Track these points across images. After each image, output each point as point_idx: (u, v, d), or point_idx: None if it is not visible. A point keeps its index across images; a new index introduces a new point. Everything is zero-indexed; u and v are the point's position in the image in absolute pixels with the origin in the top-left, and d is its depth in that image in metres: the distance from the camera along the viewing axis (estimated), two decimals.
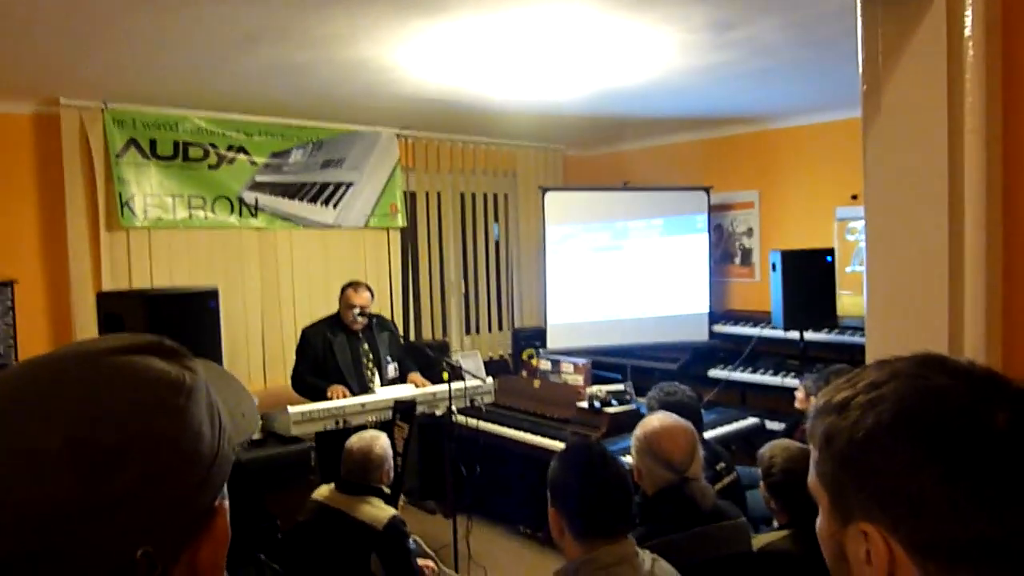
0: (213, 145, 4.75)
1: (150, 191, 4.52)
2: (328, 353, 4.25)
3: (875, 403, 0.68)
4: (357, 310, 4.29)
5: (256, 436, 3.69)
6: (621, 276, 5.78)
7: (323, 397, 4.01)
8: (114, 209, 4.41)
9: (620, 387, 4.46)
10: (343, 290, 4.39)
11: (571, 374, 4.92)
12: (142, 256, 4.52)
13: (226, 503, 0.65)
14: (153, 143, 4.52)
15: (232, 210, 4.86)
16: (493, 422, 4.57)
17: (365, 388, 4.26)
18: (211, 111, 4.70)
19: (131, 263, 4.48)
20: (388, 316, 5.20)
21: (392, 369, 4.45)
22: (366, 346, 4.42)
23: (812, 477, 0.75)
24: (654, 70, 3.95)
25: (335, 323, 4.39)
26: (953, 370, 0.68)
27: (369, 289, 4.41)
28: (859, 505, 0.68)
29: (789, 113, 5.31)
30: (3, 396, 0.58)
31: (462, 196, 6.14)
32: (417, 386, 4.30)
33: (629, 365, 5.55)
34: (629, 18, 3.11)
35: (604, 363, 5.42)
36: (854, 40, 1.51)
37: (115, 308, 3.60)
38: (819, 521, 0.74)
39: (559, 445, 4.06)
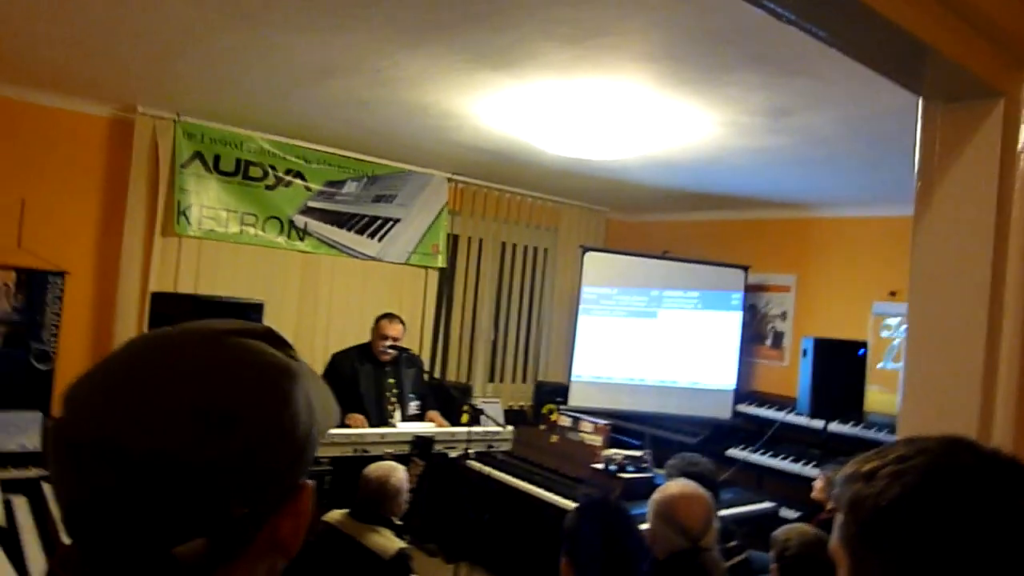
0: (272, 167, 4.92)
1: (207, 203, 4.68)
2: (353, 381, 4.30)
3: (902, 475, 0.71)
4: (389, 341, 4.35)
5: None
6: (651, 343, 5.78)
7: (342, 424, 4.06)
8: (171, 216, 4.57)
9: (638, 453, 4.42)
10: (377, 320, 4.47)
11: (590, 433, 4.89)
12: (191, 263, 4.66)
13: (311, 484, 0.71)
14: (217, 158, 4.70)
15: (281, 231, 5.00)
16: (506, 472, 4.55)
17: (384, 421, 4.30)
18: (275, 135, 4.88)
19: (179, 268, 4.61)
20: (417, 352, 5.25)
21: (414, 406, 4.49)
22: (391, 379, 4.47)
23: (835, 540, 0.78)
24: (705, 146, 4.03)
25: (364, 353, 4.45)
26: (979, 453, 0.72)
27: (402, 322, 4.49)
28: (880, 570, 0.71)
29: (834, 203, 5.35)
30: (138, 360, 0.65)
31: (503, 245, 6.23)
32: (436, 425, 4.32)
33: (649, 433, 5.51)
34: (686, 100, 3.20)
35: (624, 428, 5.39)
36: (908, 138, 1.57)
37: (166, 308, 3.75)
38: None
39: (570, 504, 4.03)
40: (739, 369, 5.70)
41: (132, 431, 0.60)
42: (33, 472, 3.80)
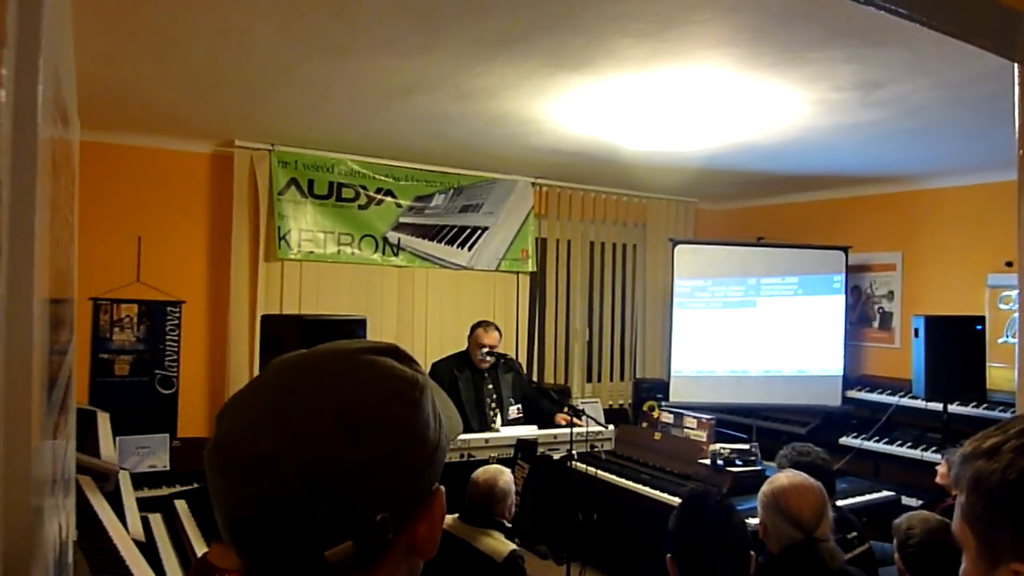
0: (364, 187, 5.12)
1: (305, 227, 4.91)
2: (453, 389, 4.41)
3: None
4: (486, 349, 4.45)
5: None
6: (752, 333, 5.67)
7: None
8: (272, 242, 4.82)
9: (746, 447, 4.35)
10: (473, 329, 4.57)
11: (694, 429, 4.84)
12: (294, 285, 4.90)
13: (442, 488, 0.77)
14: (311, 183, 4.93)
15: (376, 248, 5.19)
16: (611, 471, 4.56)
17: (486, 426, 4.39)
18: (364, 155, 5.07)
19: (283, 291, 4.86)
20: (515, 358, 5.34)
21: (515, 410, 4.56)
22: (490, 385, 4.55)
23: (958, 521, 0.77)
24: (794, 128, 3.94)
25: (462, 360, 4.56)
26: None
27: (498, 329, 4.58)
28: (1010, 546, 0.70)
29: (936, 174, 5.11)
30: (283, 380, 0.73)
31: (591, 244, 6.25)
32: (563, 425, 4.40)
33: (755, 425, 5.41)
34: (770, 80, 3.15)
35: (729, 421, 5.31)
36: (1007, 102, 1.51)
37: (275, 330, 3.94)
38: (964, 567, 0.76)
39: (679, 501, 4.01)
40: (846, 354, 5.52)
41: (286, 445, 0.67)
42: (165, 491, 4.08)
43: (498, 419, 4.47)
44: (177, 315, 4.67)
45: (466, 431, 4.23)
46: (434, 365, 4.58)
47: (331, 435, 0.68)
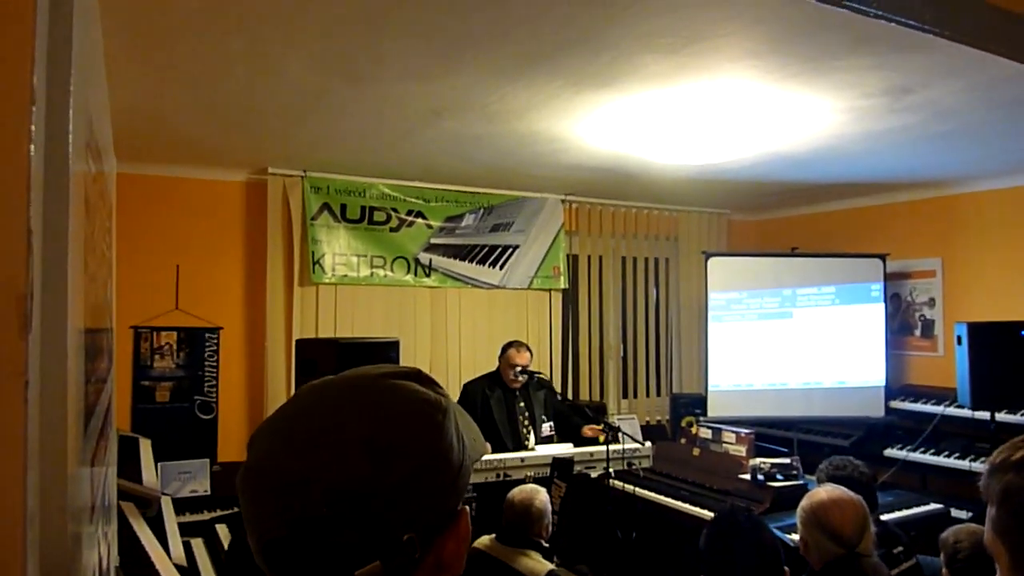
0: (395, 210, 5.18)
1: (338, 251, 4.98)
2: (485, 408, 4.42)
3: None
4: (519, 368, 4.45)
5: None
6: (789, 344, 5.60)
7: None
8: (307, 266, 4.89)
9: (786, 460, 4.28)
10: (505, 349, 4.58)
11: (733, 444, 4.77)
12: (328, 308, 4.97)
13: (467, 508, 0.79)
14: (344, 207, 5.00)
15: (408, 270, 5.24)
16: (650, 489, 4.52)
17: (520, 445, 4.39)
18: (394, 179, 5.14)
19: (319, 314, 4.93)
20: (547, 376, 5.33)
21: (547, 428, 4.55)
22: (522, 404, 4.56)
23: (989, 533, 0.76)
24: (824, 136, 3.90)
25: (494, 380, 4.57)
26: None
27: (529, 349, 4.59)
28: None
29: (973, 177, 5.01)
30: (312, 406, 0.76)
31: (623, 260, 6.23)
32: (589, 436, 4.38)
33: (796, 439, 5.32)
34: (797, 90, 3.13)
35: (769, 435, 5.23)
36: None
37: (310, 353, 4.00)
38: None
39: None
40: (888, 363, 5.41)
41: (315, 468, 0.70)
42: (207, 515, 4.13)
43: (532, 437, 4.47)
44: (215, 341, 4.75)
45: (500, 450, 4.23)
46: (466, 386, 4.59)
47: (358, 458, 0.70)
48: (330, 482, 0.69)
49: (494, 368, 4.62)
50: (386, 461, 0.70)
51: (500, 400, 4.50)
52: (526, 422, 4.54)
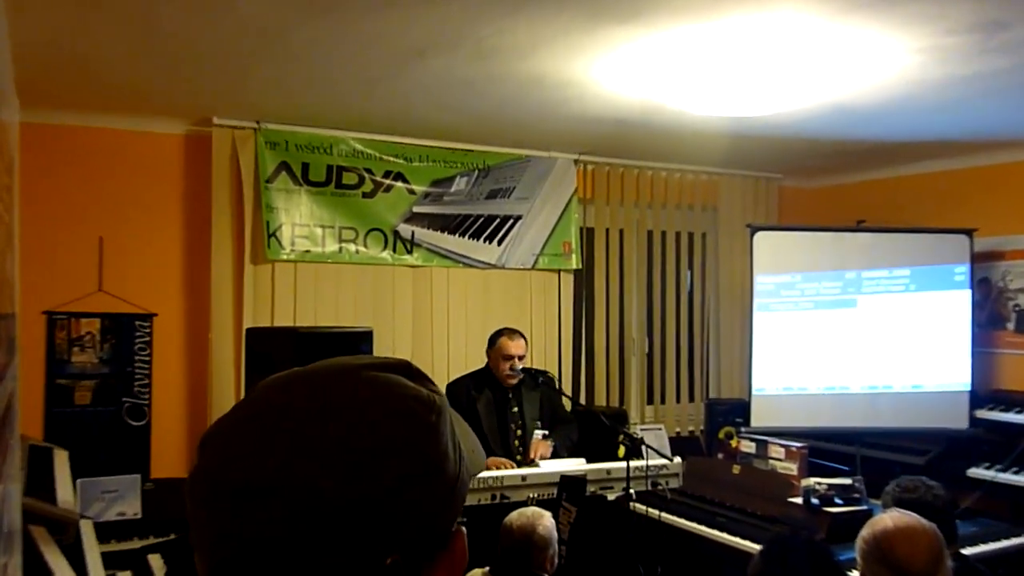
0: (369, 171, 5.17)
1: (299, 220, 4.99)
2: (471, 414, 4.41)
3: None
4: (513, 362, 4.46)
5: None
6: (852, 339, 5.59)
7: None
8: (260, 239, 4.90)
9: (847, 481, 4.29)
10: (495, 339, 4.61)
11: (782, 460, 4.79)
12: (287, 291, 4.98)
13: (464, 529, 0.79)
14: (305, 167, 5.00)
15: (386, 244, 5.24)
16: (679, 514, 4.53)
17: (510, 453, 4.42)
18: (369, 133, 5.13)
19: (275, 299, 4.94)
20: (556, 376, 5.34)
21: (540, 436, 4.57)
22: (515, 408, 4.58)
23: None
24: (897, 83, 3.88)
25: (482, 378, 4.60)
26: None
27: (523, 336, 4.60)
28: None
29: None
30: (278, 400, 0.76)
31: (650, 235, 6.23)
32: (534, 452, 4.41)
33: (859, 454, 5.33)
34: (866, 26, 3.10)
35: (825, 450, 5.24)
36: None
37: (264, 346, 4.03)
38: None
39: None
40: (974, 364, 5.41)
41: (280, 475, 0.70)
42: (137, 543, 4.14)
43: (542, 450, 4.47)
44: (148, 331, 4.76)
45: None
46: (448, 387, 4.60)
47: (332, 464, 0.70)
48: (298, 492, 0.69)
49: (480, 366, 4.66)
50: (366, 468, 0.70)
51: (489, 403, 4.51)
52: (519, 431, 4.55)
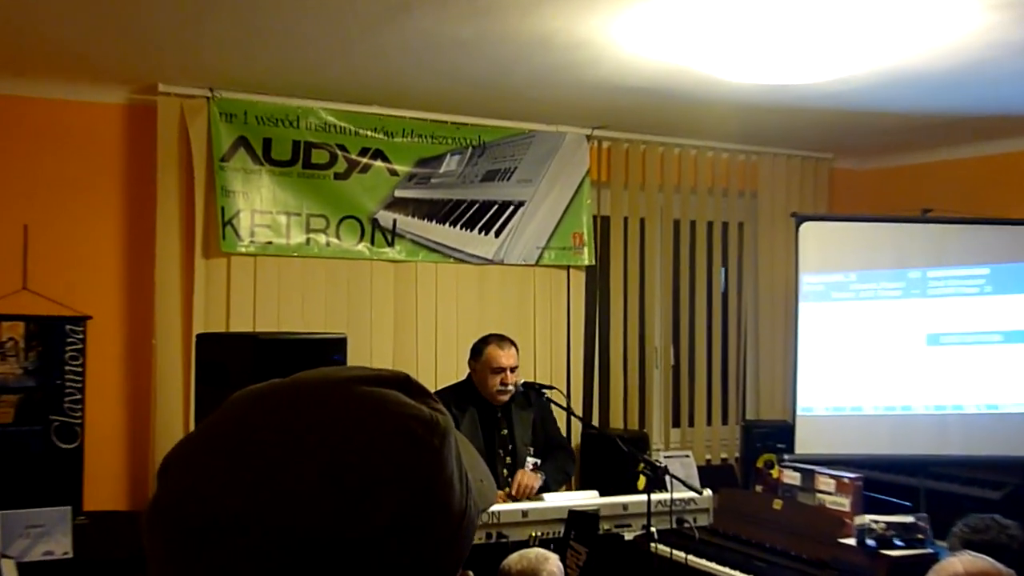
0: (342, 147, 5.18)
1: (260, 206, 5.00)
2: None
3: None
4: (504, 375, 4.46)
5: None
6: (915, 351, 5.60)
7: None
8: (214, 230, 4.91)
9: (909, 519, 4.30)
10: (480, 348, 4.61)
11: (832, 494, 4.79)
12: (245, 291, 4.99)
13: (470, 574, 0.79)
14: (267, 143, 5.01)
15: (362, 235, 5.25)
16: (709, 557, 4.53)
17: (497, 484, 4.40)
18: (343, 102, 5.13)
19: (230, 299, 4.95)
20: (564, 392, 5.33)
21: (531, 463, 4.57)
22: (504, 430, 4.59)
23: None
24: (970, 45, 3.88)
25: (463, 394, 4.61)
26: None
27: (515, 345, 4.61)
28: None
29: None
30: (254, 419, 0.76)
31: (676, 225, 6.24)
32: (518, 488, 4.38)
33: (923, 487, 5.34)
34: None
35: (883, 481, 5.24)
36: None
37: (218, 355, 4.02)
38: None
39: None
40: None
41: (256, 508, 0.70)
42: None
43: (527, 482, 4.47)
44: (80, 337, 4.76)
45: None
46: None
47: (318, 495, 0.70)
48: (276, 530, 0.69)
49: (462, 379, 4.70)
50: (357, 502, 0.70)
51: (474, 423, 4.51)
52: (508, 459, 4.55)
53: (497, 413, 4.59)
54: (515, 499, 4.37)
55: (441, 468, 0.74)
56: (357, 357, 4.80)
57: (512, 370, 4.53)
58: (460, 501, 0.76)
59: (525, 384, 4.60)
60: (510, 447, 4.59)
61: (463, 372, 5.21)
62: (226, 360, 4.04)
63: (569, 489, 4.99)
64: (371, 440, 0.73)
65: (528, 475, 4.49)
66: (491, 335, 4.66)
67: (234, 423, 0.76)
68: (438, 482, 0.74)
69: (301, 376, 0.79)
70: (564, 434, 5.28)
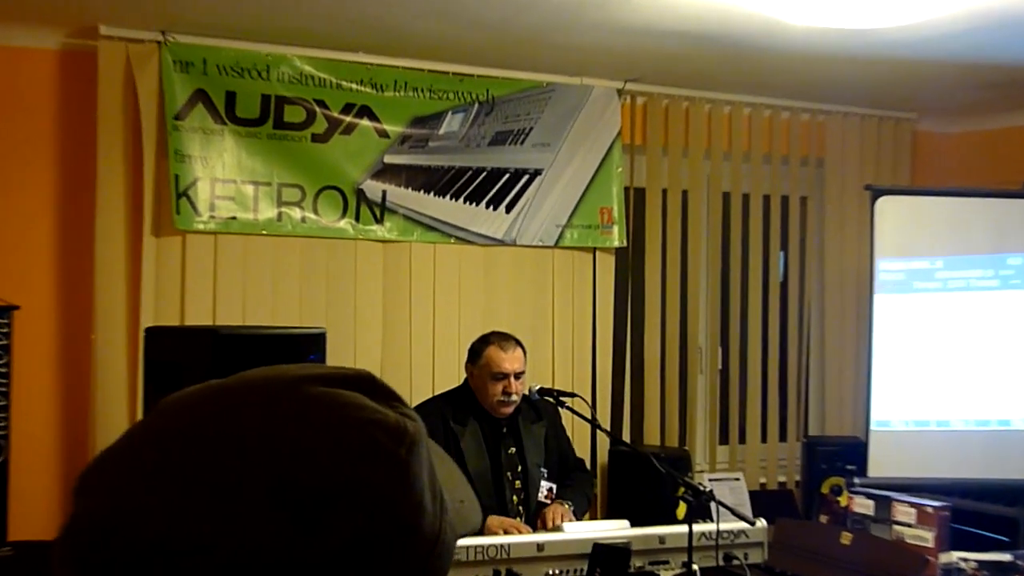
0: (321, 103, 5.16)
1: (221, 174, 4.99)
2: (453, 453, 4.39)
3: None
4: (510, 382, 4.44)
5: None
6: (1018, 354, 5.58)
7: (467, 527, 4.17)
8: (166, 203, 4.89)
9: (1006, 557, 4.30)
10: (479, 349, 4.57)
11: (912, 526, 4.78)
12: (203, 277, 4.98)
13: None
14: (231, 98, 4.99)
15: (345, 210, 5.24)
16: None
17: (506, 513, 4.41)
18: (322, 49, 5.12)
19: (186, 287, 4.94)
20: (588, 401, 5.32)
21: (546, 488, 4.56)
22: (512, 448, 4.57)
23: None
24: None
25: (461, 403, 4.59)
26: None
27: (521, 345, 4.59)
28: None
29: None
30: (188, 427, 0.76)
31: (726, 199, 6.22)
32: (550, 522, 4.38)
33: (1022, 518, 5.32)
34: None
35: (975, 511, 5.23)
36: None
37: (170, 352, 4.01)
38: None
39: None
40: None
41: (190, 531, 0.70)
42: None
43: (559, 515, 4.47)
44: (5, 331, 4.76)
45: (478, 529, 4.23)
46: (414, 410, 4.58)
47: (263, 517, 0.70)
48: (216, 556, 0.70)
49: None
50: (310, 523, 0.70)
51: (477, 440, 4.49)
52: (517, 482, 4.55)
53: (503, 428, 4.58)
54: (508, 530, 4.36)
55: (409, 484, 0.75)
56: (338, 356, 4.81)
57: (517, 376, 4.49)
58: (432, 524, 0.76)
59: (541, 391, 4.57)
60: (520, 469, 4.56)
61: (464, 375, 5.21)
62: (180, 359, 4.04)
63: (593, 518, 4.98)
64: (326, 451, 0.73)
65: (560, 509, 4.48)
66: (493, 333, 4.64)
67: (164, 433, 0.77)
68: (405, 500, 0.75)
69: (244, 376, 0.81)
70: (589, 451, 5.27)
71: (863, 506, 4.94)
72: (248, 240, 5.08)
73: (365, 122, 5.27)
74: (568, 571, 4.09)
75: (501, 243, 5.58)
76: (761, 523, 4.47)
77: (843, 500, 5.17)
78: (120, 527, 0.72)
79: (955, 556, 4.28)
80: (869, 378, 5.65)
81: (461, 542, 3.42)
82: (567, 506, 4.52)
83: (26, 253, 4.87)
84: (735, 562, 4.35)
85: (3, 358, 4.76)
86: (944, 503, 4.71)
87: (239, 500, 0.71)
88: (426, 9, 4.44)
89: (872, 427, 5.60)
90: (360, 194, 5.28)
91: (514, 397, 4.48)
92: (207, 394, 0.79)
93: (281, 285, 5.15)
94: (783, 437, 6.36)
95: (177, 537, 0.70)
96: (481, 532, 4.17)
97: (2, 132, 4.82)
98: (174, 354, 4.11)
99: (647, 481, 4.75)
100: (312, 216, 5.19)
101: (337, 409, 0.76)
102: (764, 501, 5.65)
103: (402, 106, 5.34)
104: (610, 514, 4.89)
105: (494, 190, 5.55)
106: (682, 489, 4.32)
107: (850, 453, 5.66)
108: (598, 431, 5.23)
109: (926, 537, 4.65)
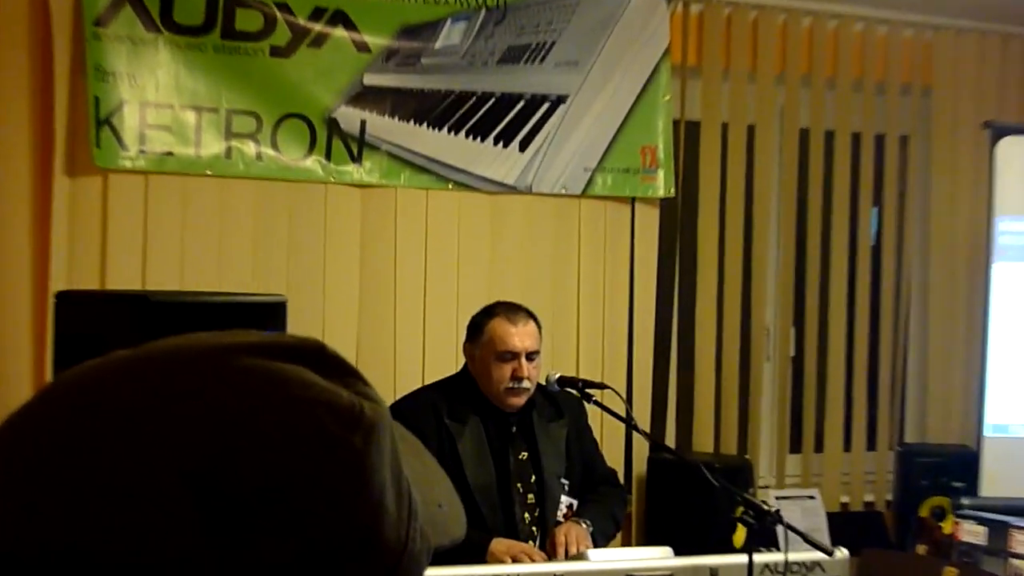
0: (283, 6, 5.15)
1: (155, 97, 4.99)
2: (448, 458, 4.39)
3: None
4: (520, 364, 4.42)
5: None
6: None
7: (476, 551, 4.17)
8: (83, 133, 4.88)
9: None
10: (481, 322, 4.57)
11: None
12: (130, 228, 4.98)
13: None
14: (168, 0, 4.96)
15: (313, 145, 5.24)
16: None
17: (516, 536, 4.40)
18: None
19: (107, 240, 4.94)
20: (622, 394, 5.29)
21: (565, 502, 4.56)
22: (524, 452, 4.56)
23: None
24: None
25: (458, 394, 4.60)
26: None
27: (534, 318, 4.57)
28: None
29: None
30: (92, 407, 0.77)
31: (803, 136, 6.21)
32: (561, 546, 4.37)
33: None
34: None
35: None
36: None
37: (89, 322, 4.00)
38: None
39: None
40: None
41: (90, 538, 0.70)
42: None
43: (578, 538, 4.46)
44: None
45: (481, 549, 4.25)
46: (396, 406, 4.55)
47: (183, 521, 0.70)
48: (120, 569, 0.70)
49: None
50: (239, 524, 0.71)
51: (479, 441, 4.50)
52: (530, 495, 4.53)
53: (512, 427, 4.55)
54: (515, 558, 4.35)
55: (365, 479, 0.75)
56: (303, 329, 4.78)
57: (530, 357, 4.46)
58: (396, 529, 0.77)
59: (561, 380, 4.55)
60: (533, 480, 4.55)
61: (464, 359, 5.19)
62: (101, 330, 4.02)
63: (626, 544, 4.97)
64: (261, 438, 0.74)
65: (575, 529, 4.48)
66: (498, 303, 4.63)
67: (57, 416, 0.77)
68: (360, 501, 0.75)
69: (158, 345, 0.81)
70: (622, 458, 5.26)
71: (973, 533, 4.94)
72: (188, 182, 5.08)
73: (340, 31, 5.25)
74: None
75: (513, 190, 5.57)
76: (842, 553, 4.46)
77: (947, 526, 5.16)
78: (4, 528, 0.72)
79: None
80: (984, 370, 5.65)
81: (459, 572, 3.43)
82: (583, 525, 4.51)
83: None
84: None
85: None
86: None
87: (149, 500, 0.71)
88: None
89: (986, 433, 5.61)
90: (332, 124, 5.26)
91: (526, 384, 4.45)
92: (113, 368, 0.79)
93: (230, 240, 5.15)
94: (871, 445, 6.37)
95: (67, 545, 0.70)
96: (484, 559, 4.17)
97: None
98: (92, 326, 4.09)
99: (696, 498, 4.76)
100: (270, 152, 5.18)
101: (275, 387, 0.76)
102: (846, 525, 5.66)
103: (388, 11, 5.33)
104: (648, 539, 4.88)
105: (505, 122, 5.54)
106: (741, 509, 4.30)
107: (957, 465, 5.68)
108: (634, 433, 5.20)
109: None
